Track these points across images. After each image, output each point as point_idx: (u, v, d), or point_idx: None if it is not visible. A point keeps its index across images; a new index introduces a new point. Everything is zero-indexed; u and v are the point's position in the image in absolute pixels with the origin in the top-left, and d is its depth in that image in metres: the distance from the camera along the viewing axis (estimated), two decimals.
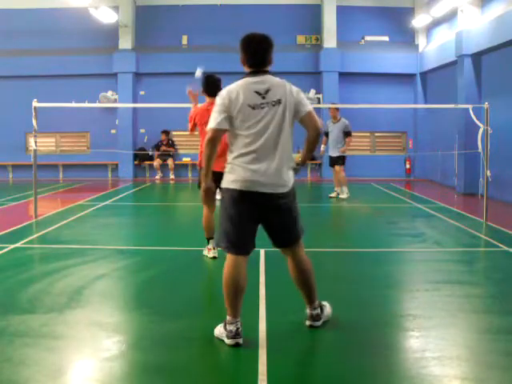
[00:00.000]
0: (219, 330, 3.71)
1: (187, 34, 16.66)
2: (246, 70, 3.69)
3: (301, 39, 16.68)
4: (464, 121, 12.15)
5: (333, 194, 11.70)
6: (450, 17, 13.95)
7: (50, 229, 7.84)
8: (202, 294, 4.34)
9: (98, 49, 16.39)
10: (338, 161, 11.46)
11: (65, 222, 8.44)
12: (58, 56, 16.21)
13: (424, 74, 16.33)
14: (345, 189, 11.47)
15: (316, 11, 16.57)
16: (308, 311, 3.88)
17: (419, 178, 16.40)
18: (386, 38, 16.56)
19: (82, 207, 10.19)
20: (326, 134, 11.59)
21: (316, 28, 16.59)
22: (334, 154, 11.49)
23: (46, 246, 6.83)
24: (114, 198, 11.83)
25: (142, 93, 16.63)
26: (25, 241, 6.99)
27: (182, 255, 6.45)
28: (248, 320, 4.09)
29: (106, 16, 14.77)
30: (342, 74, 16.19)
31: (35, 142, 8.72)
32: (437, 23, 15.30)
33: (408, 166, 16.69)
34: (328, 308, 4.01)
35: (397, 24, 16.52)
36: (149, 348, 3.58)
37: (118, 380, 3.14)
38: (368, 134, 16.86)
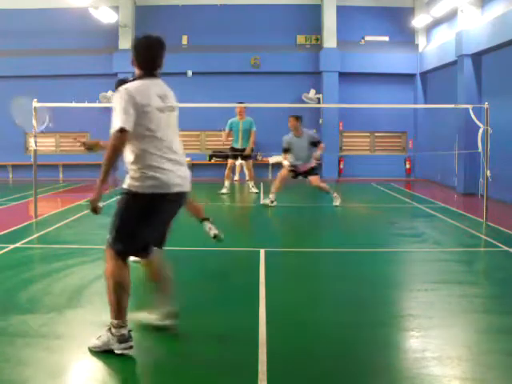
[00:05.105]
0: (104, 340, 3.40)
1: (187, 34, 16.63)
2: (138, 71, 3.65)
3: (301, 39, 16.66)
4: (464, 121, 12.14)
5: (267, 201, 10.22)
6: (450, 17, 13.94)
7: (50, 229, 7.84)
8: (201, 293, 4.34)
9: (97, 49, 16.38)
10: (312, 171, 10.30)
11: (65, 222, 8.43)
12: (58, 56, 16.19)
13: (424, 74, 16.33)
14: (335, 194, 10.42)
15: (316, 11, 16.56)
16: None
17: (419, 178, 16.39)
18: (386, 38, 16.55)
19: (82, 207, 10.17)
20: (285, 150, 10.24)
21: (316, 28, 16.58)
22: (305, 167, 10.24)
23: (46, 246, 6.83)
24: (114, 198, 11.80)
25: None
26: (25, 241, 6.99)
27: (182, 255, 6.44)
28: (248, 320, 4.09)
29: (106, 16, 14.76)
30: (341, 74, 16.17)
31: (35, 142, 8.73)
32: (437, 23, 15.29)
33: (408, 166, 16.69)
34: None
35: (397, 24, 16.50)
36: (148, 348, 3.58)
37: (118, 380, 3.14)
38: (368, 134, 16.83)
